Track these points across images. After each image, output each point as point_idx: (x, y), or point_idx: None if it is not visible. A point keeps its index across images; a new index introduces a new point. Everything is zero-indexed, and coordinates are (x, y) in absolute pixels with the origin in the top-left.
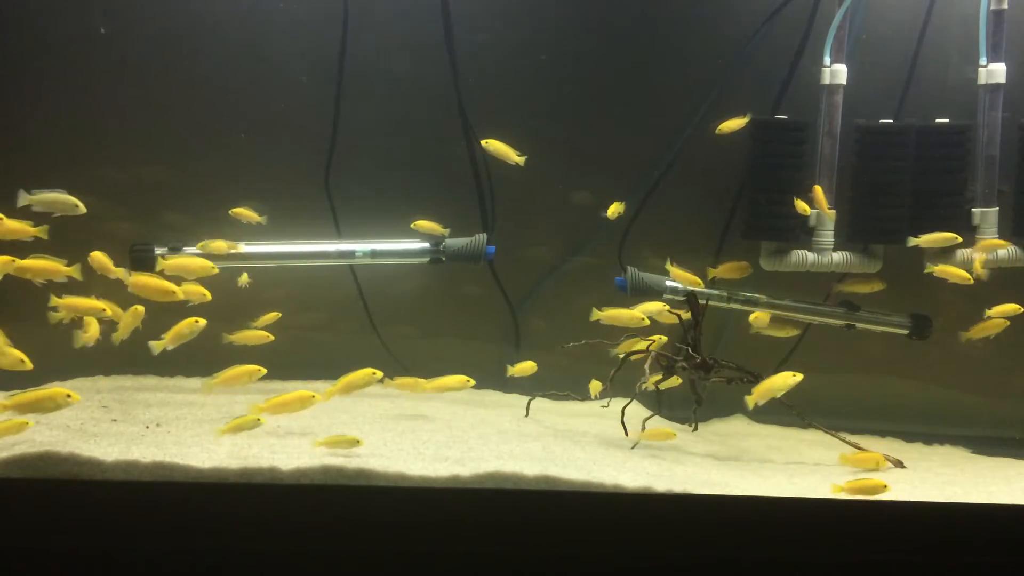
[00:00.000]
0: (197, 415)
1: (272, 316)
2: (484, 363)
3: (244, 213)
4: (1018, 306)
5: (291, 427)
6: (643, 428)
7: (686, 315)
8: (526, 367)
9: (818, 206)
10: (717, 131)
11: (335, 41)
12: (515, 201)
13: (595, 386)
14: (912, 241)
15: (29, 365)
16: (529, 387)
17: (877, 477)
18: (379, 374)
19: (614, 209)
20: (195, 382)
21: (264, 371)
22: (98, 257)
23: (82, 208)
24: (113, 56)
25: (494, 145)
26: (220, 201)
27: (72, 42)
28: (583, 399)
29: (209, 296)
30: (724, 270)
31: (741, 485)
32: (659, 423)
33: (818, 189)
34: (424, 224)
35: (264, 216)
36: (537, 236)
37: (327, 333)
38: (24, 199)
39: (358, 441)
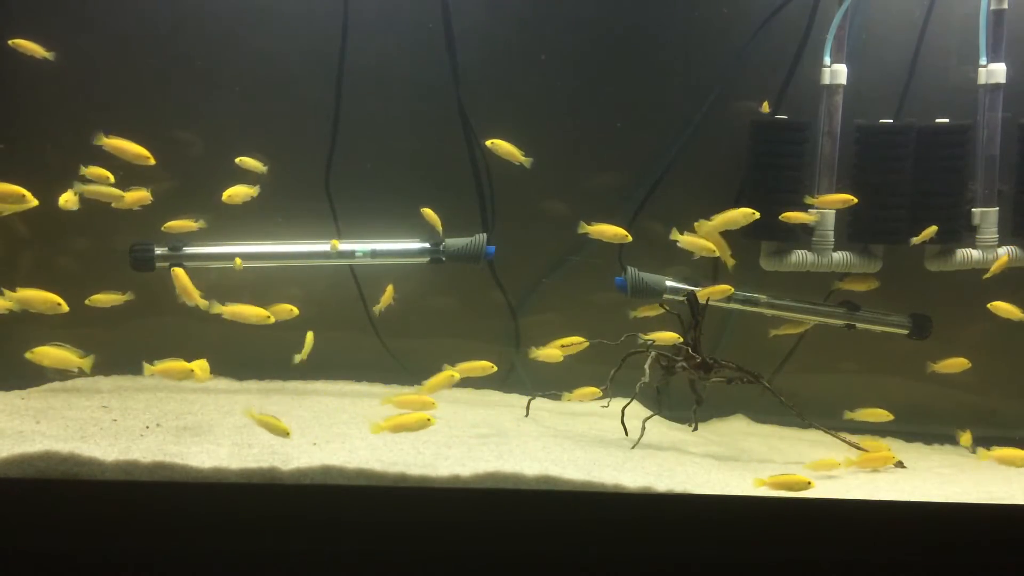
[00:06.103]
0: (197, 415)
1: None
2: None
3: (248, 162)
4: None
5: (290, 427)
6: (643, 428)
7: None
8: (552, 352)
9: (825, 206)
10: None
11: (335, 40)
12: (515, 200)
13: (581, 393)
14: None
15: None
16: (529, 387)
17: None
18: (457, 375)
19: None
20: (195, 382)
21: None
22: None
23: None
24: (111, 53)
25: (500, 145)
26: (219, 201)
27: (71, 41)
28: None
29: None
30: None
31: (741, 485)
32: (659, 423)
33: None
34: (431, 213)
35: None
36: (537, 235)
37: (326, 333)
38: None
39: (287, 433)
